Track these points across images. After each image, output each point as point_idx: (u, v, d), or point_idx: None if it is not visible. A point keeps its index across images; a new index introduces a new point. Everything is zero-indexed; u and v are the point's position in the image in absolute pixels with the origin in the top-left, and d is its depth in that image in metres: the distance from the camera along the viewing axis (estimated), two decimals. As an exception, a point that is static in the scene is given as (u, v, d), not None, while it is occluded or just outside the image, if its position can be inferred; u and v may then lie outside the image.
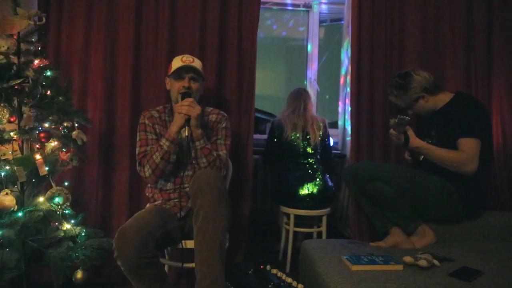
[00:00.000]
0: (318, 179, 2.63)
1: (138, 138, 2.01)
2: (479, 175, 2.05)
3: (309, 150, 2.67)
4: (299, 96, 2.77)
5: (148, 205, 2.05)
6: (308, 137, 2.67)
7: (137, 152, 1.98)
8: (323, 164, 2.73)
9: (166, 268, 2.11)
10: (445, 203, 2.08)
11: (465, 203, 2.09)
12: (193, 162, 1.92)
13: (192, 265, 1.85)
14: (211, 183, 1.68)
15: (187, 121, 1.82)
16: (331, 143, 2.85)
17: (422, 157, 2.19)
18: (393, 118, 2.08)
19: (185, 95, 1.90)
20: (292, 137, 2.66)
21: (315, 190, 2.60)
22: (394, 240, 2.06)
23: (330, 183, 2.69)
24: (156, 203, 1.98)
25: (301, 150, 2.67)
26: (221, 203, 1.66)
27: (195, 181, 1.72)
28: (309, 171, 2.65)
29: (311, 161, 2.67)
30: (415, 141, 2.09)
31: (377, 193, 2.10)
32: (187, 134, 1.81)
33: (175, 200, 1.94)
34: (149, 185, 2.06)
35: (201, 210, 1.64)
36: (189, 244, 1.84)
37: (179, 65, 1.96)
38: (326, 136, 2.75)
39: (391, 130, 2.12)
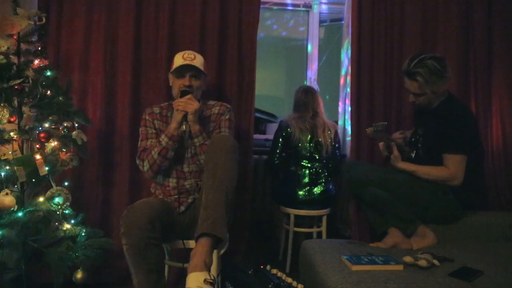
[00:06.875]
0: (321, 185, 2.62)
1: (140, 133, 2.08)
2: (472, 172, 2.05)
3: (315, 154, 2.64)
4: (308, 102, 2.67)
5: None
6: (319, 139, 2.63)
7: (138, 146, 2.05)
8: (328, 169, 2.69)
9: (166, 269, 2.10)
10: (442, 202, 2.08)
11: (462, 201, 2.09)
12: (194, 159, 1.97)
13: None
14: (226, 148, 1.71)
15: (185, 116, 1.88)
16: (339, 151, 2.77)
17: (414, 153, 2.18)
18: (369, 127, 2.06)
19: (183, 92, 1.94)
20: (300, 140, 2.62)
21: (316, 195, 2.60)
22: (393, 241, 2.06)
23: (331, 187, 2.68)
24: (158, 197, 2.04)
25: (307, 154, 2.64)
26: (234, 161, 1.70)
27: (211, 145, 1.75)
28: (313, 176, 2.63)
29: (316, 165, 2.65)
30: (399, 164, 2.10)
31: (372, 198, 2.10)
32: (184, 129, 1.89)
33: (175, 196, 1.98)
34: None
35: (211, 161, 1.68)
36: (191, 244, 1.82)
37: (180, 63, 1.99)
38: (335, 142, 2.70)
39: (380, 145, 2.15)
